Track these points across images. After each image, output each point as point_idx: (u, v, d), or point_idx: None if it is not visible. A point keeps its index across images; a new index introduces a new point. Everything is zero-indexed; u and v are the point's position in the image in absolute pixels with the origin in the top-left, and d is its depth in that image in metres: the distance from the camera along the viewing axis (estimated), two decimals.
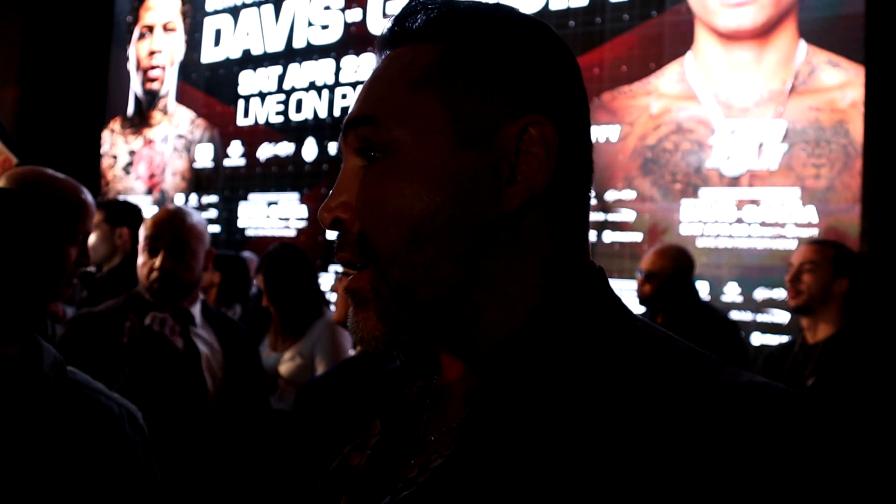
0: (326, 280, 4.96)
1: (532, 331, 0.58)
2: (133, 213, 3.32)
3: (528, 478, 0.51)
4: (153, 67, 6.37)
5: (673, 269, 3.03)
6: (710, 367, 0.54)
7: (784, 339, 3.46)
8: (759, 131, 3.59)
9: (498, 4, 0.64)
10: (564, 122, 0.60)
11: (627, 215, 3.93)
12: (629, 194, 3.93)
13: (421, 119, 0.59)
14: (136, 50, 6.49)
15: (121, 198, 4.85)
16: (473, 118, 0.59)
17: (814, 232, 3.41)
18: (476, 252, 0.58)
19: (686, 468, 0.47)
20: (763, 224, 3.56)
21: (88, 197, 1.61)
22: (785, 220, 3.50)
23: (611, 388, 0.53)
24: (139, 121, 6.43)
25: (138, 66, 6.46)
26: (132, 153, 6.44)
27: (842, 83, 3.43)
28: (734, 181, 3.65)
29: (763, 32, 3.65)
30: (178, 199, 5.95)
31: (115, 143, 6.57)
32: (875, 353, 2.40)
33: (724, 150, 3.67)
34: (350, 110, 0.63)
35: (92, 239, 2.97)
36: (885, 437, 2.03)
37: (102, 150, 6.64)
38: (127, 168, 6.45)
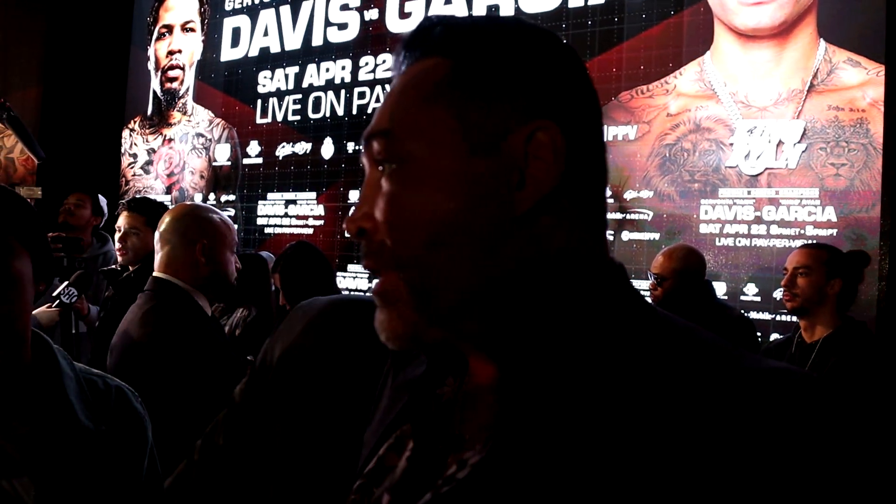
0: (344, 279, 4.99)
1: (555, 327, 0.60)
2: None
3: (567, 471, 0.53)
4: (172, 67, 6.42)
5: (681, 269, 3.01)
6: (733, 355, 0.56)
7: None
8: (778, 130, 3.58)
9: (504, 17, 0.67)
10: (571, 124, 0.62)
11: (646, 215, 3.92)
12: (647, 194, 3.93)
13: (434, 131, 0.62)
14: (156, 50, 6.55)
15: (151, 196, 4.88)
16: (483, 127, 0.61)
17: (833, 232, 3.40)
18: (492, 254, 0.60)
19: (716, 454, 0.49)
20: (782, 223, 3.55)
21: None
22: (804, 220, 3.49)
23: (637, 379, 0.55)
24: (158, 120, 6.49)
25: (157, 66, 6.52)
26: (151, 152, 6.50)
27: (862, 82, 3.41)
28: (753, 180, 3.64)
29: (782, 31, 3.63)
30: (197, 198, 6.00)
31: (134, 142, 6.64)
32: (873, 351, 2.51)
33: (743, 150, 3.66)
34: (369, 125, 0.66)
35: (134, 241, 3.03)
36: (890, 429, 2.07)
37: (122, 149, 6.71)
38: (146, 167, 6.51)
